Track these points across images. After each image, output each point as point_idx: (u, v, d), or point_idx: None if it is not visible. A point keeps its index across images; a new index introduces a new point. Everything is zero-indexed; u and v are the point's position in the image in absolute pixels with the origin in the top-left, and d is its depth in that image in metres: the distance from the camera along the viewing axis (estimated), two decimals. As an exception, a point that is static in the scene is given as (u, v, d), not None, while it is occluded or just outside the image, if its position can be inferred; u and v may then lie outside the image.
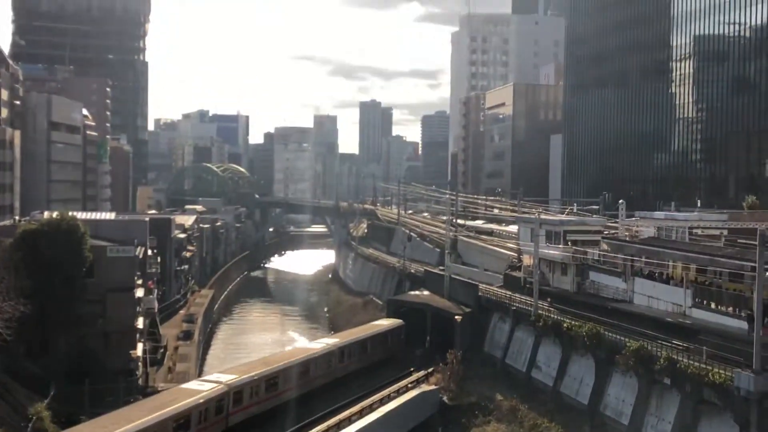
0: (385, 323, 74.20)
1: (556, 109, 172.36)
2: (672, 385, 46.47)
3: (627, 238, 68.09)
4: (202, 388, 47.13)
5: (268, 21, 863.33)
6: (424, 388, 62.45)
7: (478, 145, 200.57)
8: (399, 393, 60.45)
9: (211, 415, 45.58)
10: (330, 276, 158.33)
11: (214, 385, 47.80)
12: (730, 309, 50.17)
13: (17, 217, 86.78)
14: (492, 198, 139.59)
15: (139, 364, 64.54)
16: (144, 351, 68.38)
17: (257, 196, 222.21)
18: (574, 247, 67.87)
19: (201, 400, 45.09)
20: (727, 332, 48.40)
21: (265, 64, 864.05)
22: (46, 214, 74.07)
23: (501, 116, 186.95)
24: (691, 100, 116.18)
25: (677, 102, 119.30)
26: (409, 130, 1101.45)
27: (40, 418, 47.75)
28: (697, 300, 53.49)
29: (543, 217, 75.90)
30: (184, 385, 49.23)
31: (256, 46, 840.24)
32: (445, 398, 61.80)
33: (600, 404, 53.45)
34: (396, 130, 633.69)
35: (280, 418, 51.37)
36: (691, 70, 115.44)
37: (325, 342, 64.64)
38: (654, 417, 47.95)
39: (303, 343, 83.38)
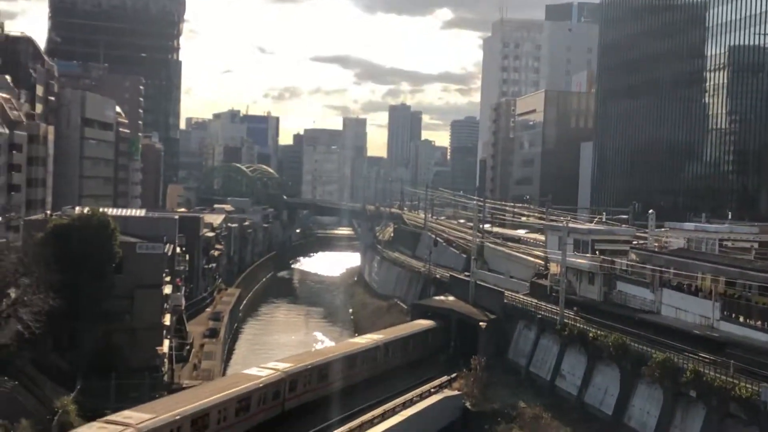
0: (424, 323, 74.66)
1: (588, 116, 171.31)
2: (698, 398, 46.07)
3: (656, 249, 67.56)
4: (261, 374, 50.27)
5: (299, 24, 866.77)
6: (447, 393, 62.33)
7: (508, 151, 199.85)
8: (422, 397, 60.40)
9: (269, 399, 49.10)
10: (355, 278, 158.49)
11: (273, 372, 50.94)
12: (759, 323, 49.66)
13: (49, 212, 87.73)
14: (520, 205, 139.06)
15: (165, 360, 65.02)
16: (170, 348, 68.89)
17: (285, 197, 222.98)
18: (602, 257, 67.47)
19: (261, 385, 48.43)
20: (755, 346, 47.90)
21: (296, 66, 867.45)
22: (77, 209, 74.84)
23: (531, 123, 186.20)
24: (724, 110, 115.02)
25: (710, 112, 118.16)
26: (438, 134, 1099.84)
27: (66, 412, 48.30)
28: (725, 313, 52.97)
29: (571, 225, 75.54)
30: (246, 371, 52.33)
31: (288, 48, 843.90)
32: (467, 404, 61.63)
33: (624, 415, 53.08)
34: (425, 135, 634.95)
35: (328, 408, 53.52)
36: (726, 81, 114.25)
37: (370, 337, 67.03)
38: (678, 430, 47.55)
39: (327, 343, 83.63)
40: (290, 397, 51.50)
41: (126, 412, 40.97)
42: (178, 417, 40.76)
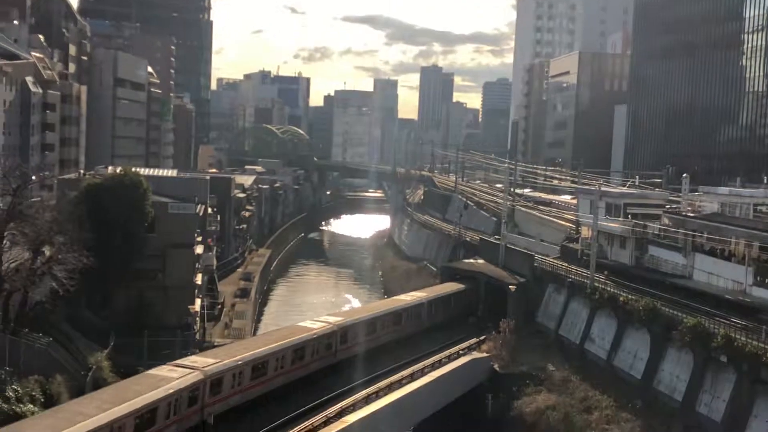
0: (462, 285, 75.25)
1: (622, 79, 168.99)
2: (728, 363, 45.78)
3: (689, 213, 66.83)
4: (314, 326, 52.88)
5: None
6: (476, 355, 62.51)
7: (540, 113, 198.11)
8: (450, 359, 60.65)
9: (323, 349, 51.81)
10: (385, 241, 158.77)
11: (325, 324, 53.56)
12: (793, 289, 49.08)
13: (82, 171, 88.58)
14: (552, 168, 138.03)
15: (197, 319, 65.80)
16: (202, 307, 69.67)
17: (315, 158, 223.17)
18: (634, 221, 66.92)
19: (314, 336, 51.13)
20: (788, 312, 47.41)
21: (327, 26, 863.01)
22: (109, 169, 75.48)
23: (565, 85, 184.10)
24: (762, 73, 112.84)
25: (747, 75, 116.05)
26: (469, 96, 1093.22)
27: (99, 368, 49.13)
28: (758, 278, 52.46)
29: (603, 189, 74.89)
30: (300, 323, 55.06)
31: (318, 8, 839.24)
32: (496, 366, 61.78)
33: (654, 379, 52.92)
34: (456, 97, 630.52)
35: (375, 361, 55.95)
36: (763, 43, 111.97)
37: (414, 295, 68.96)
38: (708, 394, 47.35)
39: (356, 304, 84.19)
40: (342, 348, 54.04)
41: (192, 357, 44.81)
42: (240, 362, 43.70)
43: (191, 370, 40.57)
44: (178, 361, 43.11)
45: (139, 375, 41.41)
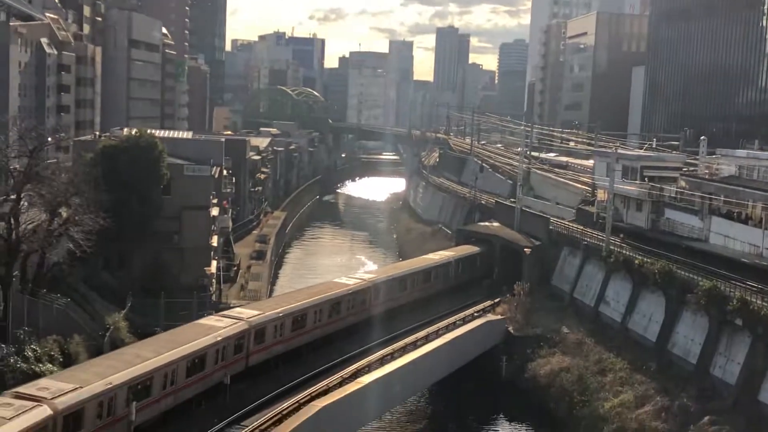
0: (477, 248, 75.59)
1: (640, 40, 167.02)
2: (744, 326, 45.72)
3: (706, 176, 66.37)
4: (349, 282, 56.53)
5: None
6: (491, 317, 62.72)
7: (557, 75, 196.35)
8: (465, 321, 60.88)
9: (358, 304, 55.00)
10: (400, 204, 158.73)
11: (359, 281, 57.16)
12: (811, 252, 48.80)
13: (97, 133, 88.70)
14: (568, 131, 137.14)
15: (213, 280, 66.17)
16: (218, 268, 70.02)
17: (330, 121, 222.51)
18: (651, 184, 66.56)
19: (350, 291, 54.43)
20: (805, 276, 47.18)
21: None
22: (125, 130, 75.54)
23: (582, 46, 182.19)
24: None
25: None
26: (485, 58, 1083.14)
27: (117, 328, 49.59)
28: (775, 242, 52.17)
29: (620, 151, 74.41)
30: (336, 280, 58.80)
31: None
32: (510, 329, 61.98)
33: (668, 342, 52.98)
34: (473, 58, 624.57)
35: (404, 317, 59.28)
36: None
37: (443, 254, 71.85)
38: (723, 357, 47.37)
39: (371, 267, 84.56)
40: (374, 304, 56.65)
41: (238, 308, 48.34)
42: (281, 314, 46.78)
43: (237, 321, 43.84)
44: (224, 312, 47.24)
45: (189, 324, 44.94)
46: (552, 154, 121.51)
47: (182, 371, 38.18)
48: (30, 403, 30.37)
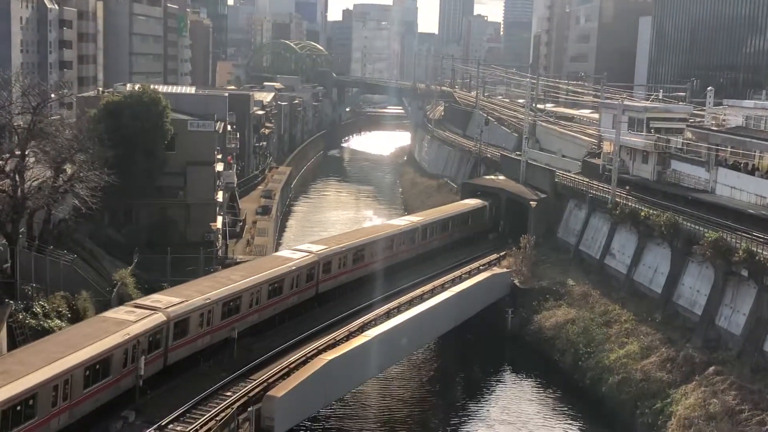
0: (483, 202, 75.94)
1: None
2: (749, 277, 45.76)
3: (713, 127, 65.93)
4: (401, 223, 63.40)
5: None
6: (496, 270, 62.89)
7: (563, 26, 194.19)
8: (471, 274, 61.06)
9: (408, 241, 61.58)
10: (405, 158, 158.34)
11: (409, 222, 63.80)
12: (818, 203, 48.63)
13: (100, 89, 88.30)
14: (575, 82, 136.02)
15: (219, 236, 66.27)
16: (223, 224, 70.08)
17: (334, 74, 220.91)
18: (657, 135, 66.18)
19: (401, 231, 60.77)
20: (812, 226, 47.07)
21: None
22: (128, 86, 75.12)
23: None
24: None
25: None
26: (491, 9, 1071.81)
27: (124, 284, 49.80)
28: (782, 192, 51.99)
29: (626, 103, 73.88)
30: (390, 222, 66.72)
31: None
32: (516, 281, 62.19)
33: (674, 293, 53.11)
34: (477, 9, 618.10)
35: (426, 264, 62.76)
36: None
37: (466, 203, 75.04)
38: (728, 308, 47.50)
39: (377, 222, 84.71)
40: (399, 252, 60.62)
41: (306, 245, 53.32)
42: (344, 248, 53.23)
43: (308, 253, 49.90)
44: (297, 247, 53.30)
45: (269, 255, 53.65)
46: (550, 105, 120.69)
47: (265, 293, 44.60)
48: (148, 311, 36.85)
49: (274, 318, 46.00)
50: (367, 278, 55.70)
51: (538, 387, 52.97)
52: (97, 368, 32.65)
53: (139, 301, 39.19)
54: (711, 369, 44.23)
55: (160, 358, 37.19)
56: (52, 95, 59.54)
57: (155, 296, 40.20)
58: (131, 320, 35.75)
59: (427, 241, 64.74)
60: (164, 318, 37.03)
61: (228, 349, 41.96)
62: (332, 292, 52.24)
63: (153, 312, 37.04)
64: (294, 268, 47.54)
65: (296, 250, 51.32)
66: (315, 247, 51.78)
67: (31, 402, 29.22)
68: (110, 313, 37.34)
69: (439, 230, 67.08)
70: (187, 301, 39.03)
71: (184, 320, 38.27)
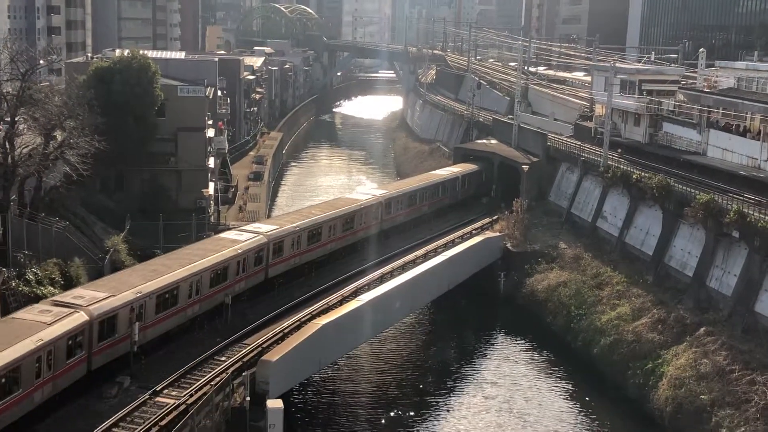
0: (475, 166, 76.35)
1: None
2: (740, 238, 45.98)
3: (705, 89, 65.83)
4: (372, 194, 61.50)
5: None
6: (489, 234, 63.02)
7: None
8: (463, 239, 61.21)
9: (428, 197, 66.14)
10: (397, 122, 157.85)
11: (371, 196, 60.94)
12: (809, 164, 48.74)
13: (89, 54, 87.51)
14: (567, 45, 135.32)
15: (211, 202, 66.19)
16: (215, 190, 69.97)
17: (325, 38, 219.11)
18: (649, 97, 66.06)
19: (371, 204, 58.85)
20: (803, 188, 47.23)
21: None
22: (117, 52, 74.49)
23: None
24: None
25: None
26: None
27: (116, 250, 49.80)
28: (773, 154, 52.09)
29: (618, 65, 73.64)
30: (352, 195, 63.35)
31: None
32: (509, 245, 62.38)
33: (665, 255, 53.38)
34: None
35: (416, 229, 64.34)
36: None
37: (450, 170, 73.97)
38: (719, 269, 47.78)
39: (370, 187, 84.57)
40: (390, 216, 61.23)
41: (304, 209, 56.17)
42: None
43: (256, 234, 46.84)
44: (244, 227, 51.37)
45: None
46: (542, 68, 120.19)
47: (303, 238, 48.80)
48: (67, 310, 32.69)
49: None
50: (361, 243, 56.46)
51: (531, 349, 53.36)
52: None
53: (58, 298, 34.93)
54: (702, 330, 44.60)
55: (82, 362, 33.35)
56: (41, 61, 59.11)
57: (78, 291, 35.96)
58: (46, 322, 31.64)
59: (428, 203, 66.67)
60: (86, 318, 33.02)
61: (222, 315, 42.11)
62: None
63: (73, 311, 32.99)
64: (241, 251, 43.42)
65: (364, 194, 54.95)
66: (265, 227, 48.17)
67: None
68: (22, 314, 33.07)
69: (429, 196, 67.69)
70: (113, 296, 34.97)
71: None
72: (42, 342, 30.55)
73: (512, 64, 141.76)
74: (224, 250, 42.69)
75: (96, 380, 34.07)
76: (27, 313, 32.91)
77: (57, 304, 33.87)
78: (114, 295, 35.09)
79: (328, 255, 53.00)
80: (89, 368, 33.71)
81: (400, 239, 60.27)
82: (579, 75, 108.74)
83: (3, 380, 28.81)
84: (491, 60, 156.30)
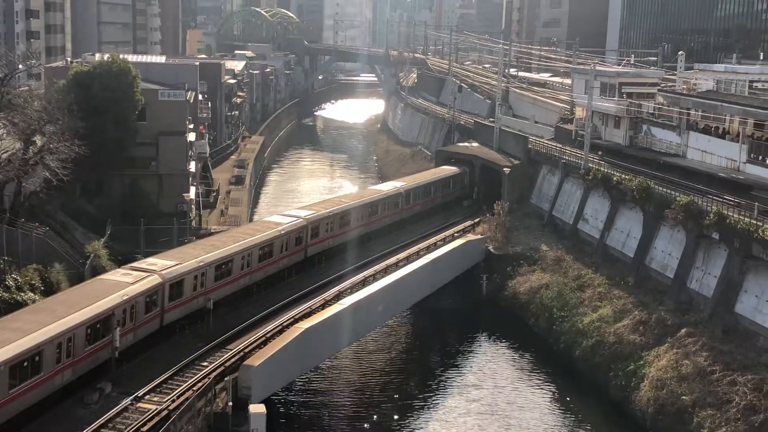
0: (457, 169, 76.76)
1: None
2: (720, 239, 46.32)
3: (684, 92, 66.32)
4: (387, 188, 66.26)
5: None
6: (470, 237, 63.14)
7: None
8: (445, 241, 61.30)
9: (392, 206, 64.40)
10: (379, 126, 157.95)
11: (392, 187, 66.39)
12: (787, 166, 49.18)
13: (69, 59, 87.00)
14: (547, 48, 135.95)
15: (192, 206, 65.96)
16: (197, 194, 69.73)
17: (306, 42, 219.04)
18: (629, 100, 66.46)
19: (385, 195, 63.46)
20: (781, 189, 47.63)
21: None
22: (97, 56, 74.12)
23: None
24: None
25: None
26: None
27: (97, 256, 49.50)
28: (752, 155, 52.56)
29: (598, 68, 74.04)
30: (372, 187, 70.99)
31: None
32: (490, 248, 62.51)
33: (646, 257, 53.69)
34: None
35: (403, 231, 64.81)
36: None
37: (447, 168, 75.85)
38: (700, 271, 48.11)
39: (352, 189, 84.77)
40: (407, 207, 65.63)
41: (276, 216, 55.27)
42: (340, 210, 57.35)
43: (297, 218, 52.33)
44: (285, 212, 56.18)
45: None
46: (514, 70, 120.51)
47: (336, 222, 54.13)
48: (144, 273, 38.51)
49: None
50: (350, 243, 57.60)
51: (513, 351, 53.47)
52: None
53: (136, 264, 40.78)
54: (683, 331, 44.84)
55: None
56: (20, 66, 58.70)
57: (151, 260, 41.53)
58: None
59: (410, 206, 67.20)
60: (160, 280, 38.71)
61: (204, 319, 41.97)
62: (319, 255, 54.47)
63: (150, 274, 38.61)
64: (283, 232, 49.12)
65: (285, 215, 53.49)
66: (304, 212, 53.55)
67: (37, 358, 30.94)
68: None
69: (421, 195, 69.25)
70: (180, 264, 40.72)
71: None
72: (127, 297, 36.28)
73: (487, 66, 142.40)
74: (269, 231, 48.62)
75: (77, 386, 33.99)
76: (112, 276, 39.25)
77: (135, 269, 39.67)
78: (181, 263, 40.76)
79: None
80: (162, 323, 39.25)
81: (380, 243, 60.20)
82: (546, 76, 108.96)
83: (98, 326, 34.35)
84: (469, 62, 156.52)
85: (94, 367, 34.75)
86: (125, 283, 37.35)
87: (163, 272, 39.36)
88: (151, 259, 41.83)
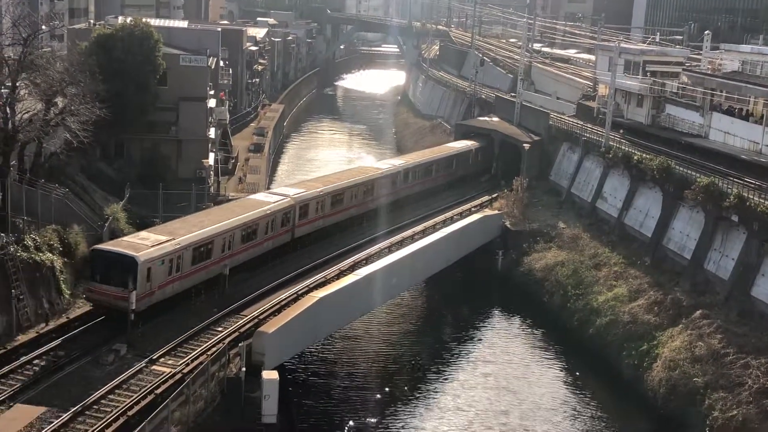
0: (476, 143, 76.21)
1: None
2: (739, 222, 46.02)
3: (709, 72, 65.60)
4: (386, 166, 64.51)
5: None
6: (488, 212, 63.02)
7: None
8: (462, 216, 61.22)
9: (400, 181, 64.11)
10: (399, 97, 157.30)
11: (390, 166, 64.70)
12: (810, 150, 48.69)
13: (92, 21, 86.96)
14: (572, 24, 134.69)
15: (211, 172, 66.07)
16: (215, 160, 69.82)
17: (329, 11, 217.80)
18: (653, 79, 65.84)
19: (393, 171, 63.13)
20: (803, 173, 47.20)
21: None
22: (120, 19, 74.02)
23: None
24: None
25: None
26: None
27: (116, 218, 49.75)
28: (775, 138, 52.04)
29: (623, 45, 73.31)
30: (374, 164, 69.91)
31: None
32: (507, 223, 62.39)
33: (663, 237, 53.44)
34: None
35: (430, 198, 66.71)
36: None
37: (465, 143, 75.33)
38: (717, 253, 47.86)
39: (370, 161, 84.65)
40: (410, 185, 64.97)
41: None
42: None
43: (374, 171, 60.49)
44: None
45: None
46: (539, 45, 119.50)
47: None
48: (281, 197, 49.27)
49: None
50: (375, 211, 58.91)
51: (526, 327, 53.57)
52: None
53: (273, 190, 52.71)
54: (698, 312, 44.73)
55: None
56: (43, 27, 58.71)
57: (282, 189, 52.43)
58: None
59: (409, 185, 65.34)
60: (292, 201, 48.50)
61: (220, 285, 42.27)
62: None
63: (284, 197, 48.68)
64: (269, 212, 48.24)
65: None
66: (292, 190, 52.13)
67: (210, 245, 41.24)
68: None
69: (421, 174, 67.95)
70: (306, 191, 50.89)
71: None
72: (271, 211, 46.72)
73: (512, 40, 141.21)
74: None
75: (95, 346, 34.54)
76: (257, 196, 50.79)
77: (273, 194, 50.95)
78: (307, 191, 51.39)
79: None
80: (293, 236, 49.22)
81: (397, 215, 60.09)
82: (572, 52, 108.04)
83: (249, 230, 44.92)
84: (496, 36, 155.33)
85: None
86: (267, 202, 47.50)
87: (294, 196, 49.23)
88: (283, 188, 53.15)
